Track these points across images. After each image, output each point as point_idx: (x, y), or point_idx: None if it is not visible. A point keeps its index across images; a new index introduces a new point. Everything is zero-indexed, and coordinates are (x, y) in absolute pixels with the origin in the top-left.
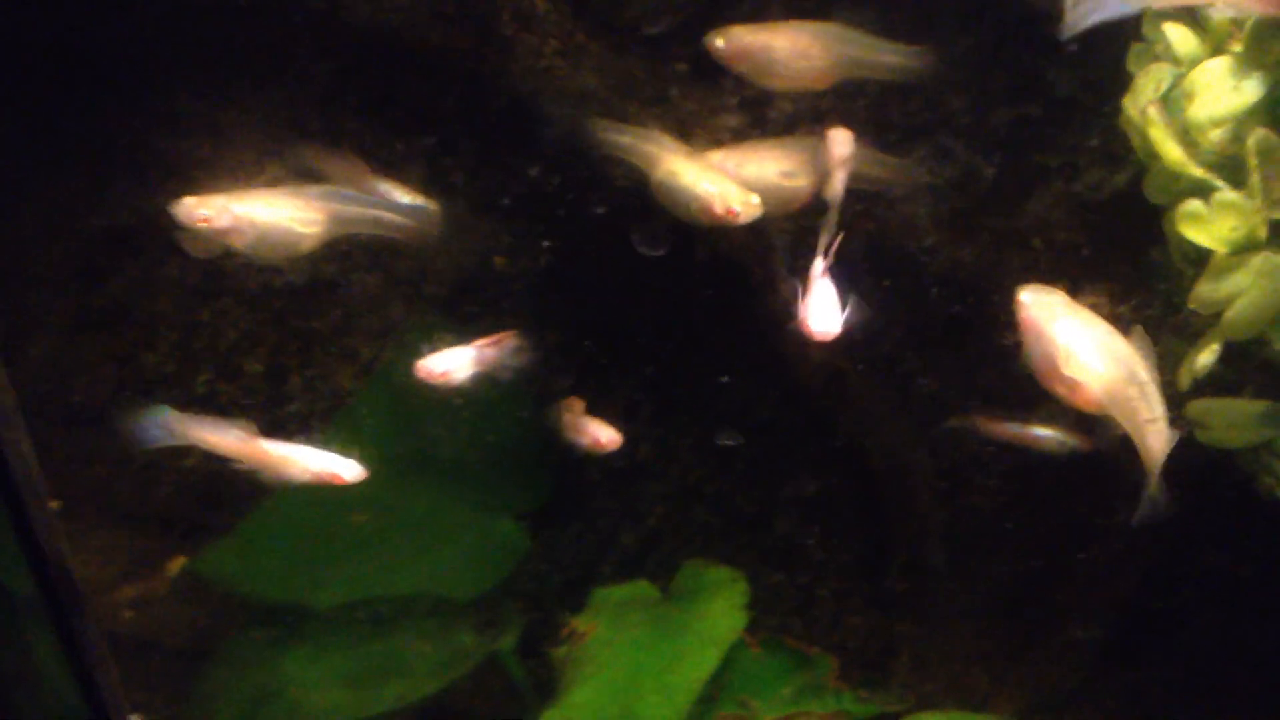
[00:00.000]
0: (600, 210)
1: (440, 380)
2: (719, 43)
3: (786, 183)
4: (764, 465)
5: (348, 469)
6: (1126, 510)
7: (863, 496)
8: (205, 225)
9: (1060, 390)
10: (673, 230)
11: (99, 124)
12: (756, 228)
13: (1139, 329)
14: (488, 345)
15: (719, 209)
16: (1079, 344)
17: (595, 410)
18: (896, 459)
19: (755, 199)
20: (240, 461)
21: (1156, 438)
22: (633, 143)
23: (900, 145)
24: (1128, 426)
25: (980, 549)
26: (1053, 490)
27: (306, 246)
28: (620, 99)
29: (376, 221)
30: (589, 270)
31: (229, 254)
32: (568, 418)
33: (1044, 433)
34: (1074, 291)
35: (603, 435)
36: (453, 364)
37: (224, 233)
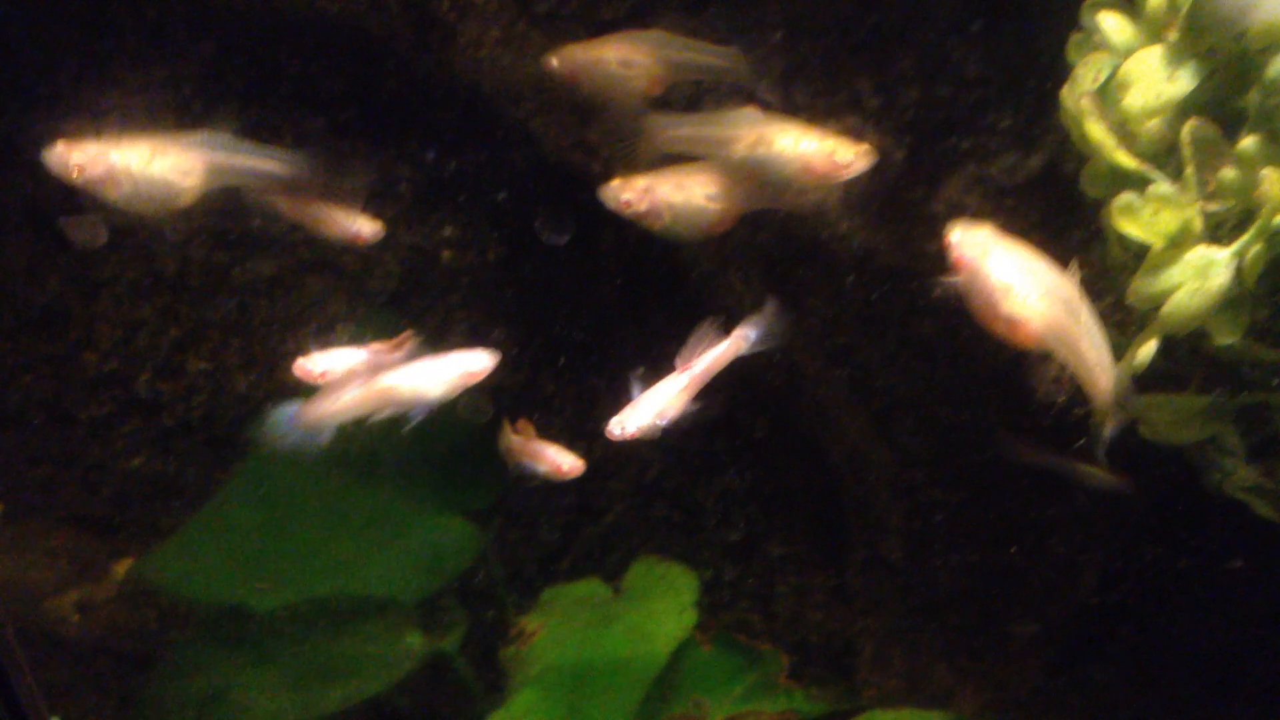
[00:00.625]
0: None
1: (319, 382)
2: (553, 62)
3: (711, 205)
4: (724, 461)
5: (482, 360)
6: (1088, 504)
7: (822, 492)
8: (78, 174)
9: (1000, 329)
10: (578, 218)
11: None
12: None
13: (1074, 261)
14: (385, 350)
15: (823, 165)
16: (1016, 280)
17: (550, 416)
18: (855, 454)
19: (865, 146)
20: (382, 410)
21: (1103, 371)
22: (696, 130)
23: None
24: (1071, 362)
25: (940, 544)
26: (1013, 485)
27: (184, 201)
28: (563, 90)
29: (252, 172)
30: (538, 263)
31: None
32: (518, 443)
33: (1085, 470)
34: None
35: (564, 462)
36: (336, 365)
37: (97, 183)
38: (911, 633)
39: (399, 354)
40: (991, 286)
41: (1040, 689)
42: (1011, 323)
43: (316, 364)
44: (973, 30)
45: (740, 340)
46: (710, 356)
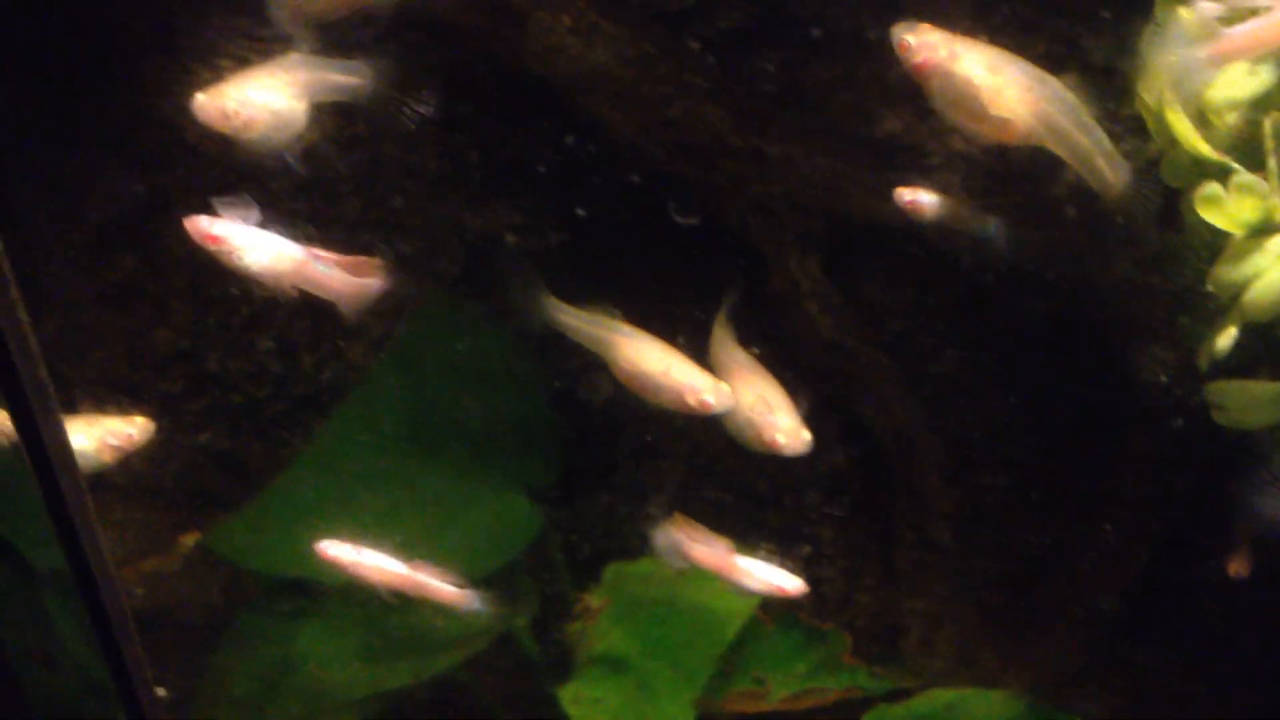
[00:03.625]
0: (616, 187)
1: (216, 248)
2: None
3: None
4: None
5: None
6: (1135, 487)
7: (872, 474)
8: (235, 119)
9: (988, 131)
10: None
11: (111, 99)
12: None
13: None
14: (340, 261)
15: None
16: (997, 77)
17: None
18: (905, 437)
19: None
20: None
21: (1106, 159)
22: None
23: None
24: (1071, 158)
25: (988, 527)
26: (1061, 467)
27: (302, 124)
28: (635, 79)
29: (338, 86)
30: (601, 247)
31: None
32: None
33: None
34: (1103, 263)
35: (787, 584)
36: (245, 243)
37: (247, 124)
38: (958, 615)
39: (357, 273)
40: (974, 89)
41: (1084, 670)
42: (1001, 124)
43: (220, 228)
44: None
45: (468, 600)
46: (429, 588)
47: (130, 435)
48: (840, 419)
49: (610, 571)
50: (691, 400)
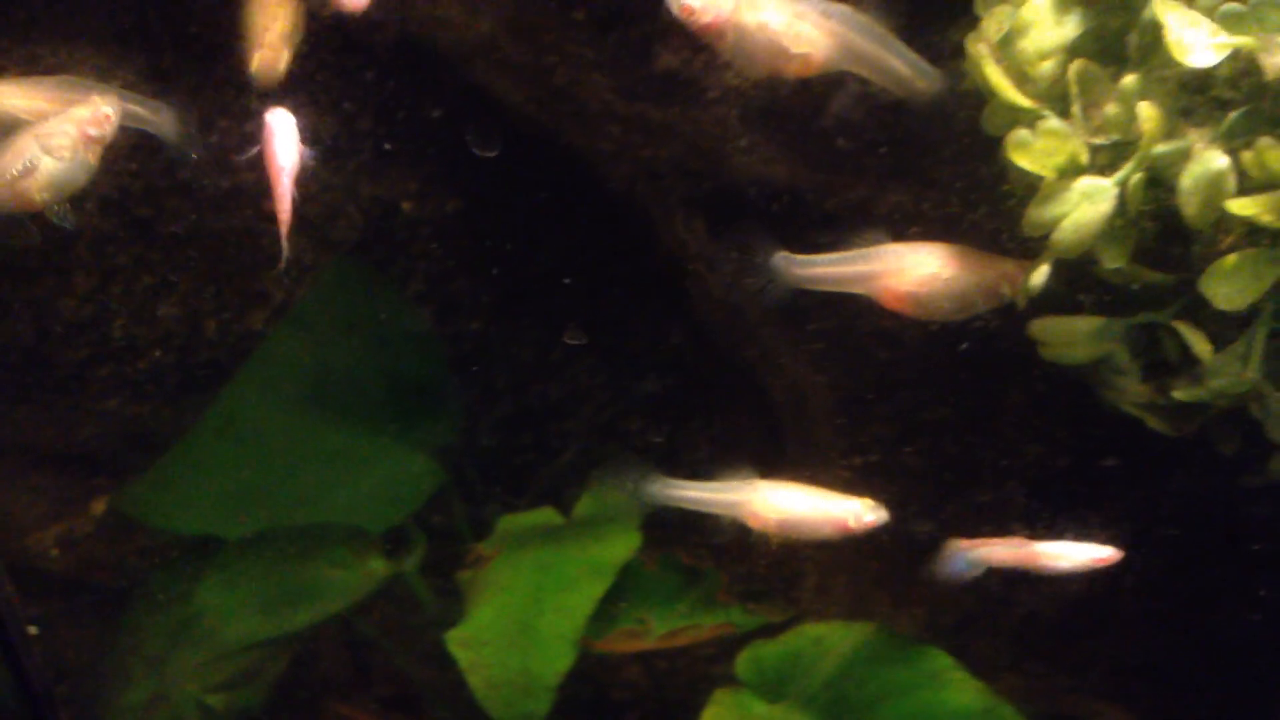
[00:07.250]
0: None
1: None
2: None
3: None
4: (674, 402)
5: None
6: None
7: (768, 430)
8: None
9: (793, 68)
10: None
11: None
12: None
13: None
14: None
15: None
16: (789, 16)
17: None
18: (795, 392)
19: None
20: None
21: (912, 69)
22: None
23: None
24: (876, 75)
25: (878, 475)
26: (950, 420)
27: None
28: (517, 48)
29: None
30: (498, 213)
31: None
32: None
33: None
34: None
35: (1102, 555)
36: None
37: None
38: (854, 562)
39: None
40: (773, 34)
41: (971, 616)
42: (804, 60)
43: None
44: None
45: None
46: None
47: (107, 115)
48: (737, 376)
49: (504, 522)
50: (854, 524)
